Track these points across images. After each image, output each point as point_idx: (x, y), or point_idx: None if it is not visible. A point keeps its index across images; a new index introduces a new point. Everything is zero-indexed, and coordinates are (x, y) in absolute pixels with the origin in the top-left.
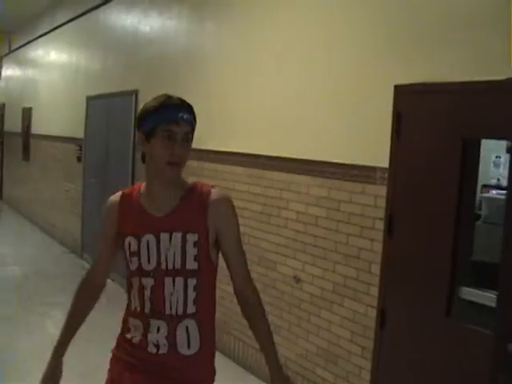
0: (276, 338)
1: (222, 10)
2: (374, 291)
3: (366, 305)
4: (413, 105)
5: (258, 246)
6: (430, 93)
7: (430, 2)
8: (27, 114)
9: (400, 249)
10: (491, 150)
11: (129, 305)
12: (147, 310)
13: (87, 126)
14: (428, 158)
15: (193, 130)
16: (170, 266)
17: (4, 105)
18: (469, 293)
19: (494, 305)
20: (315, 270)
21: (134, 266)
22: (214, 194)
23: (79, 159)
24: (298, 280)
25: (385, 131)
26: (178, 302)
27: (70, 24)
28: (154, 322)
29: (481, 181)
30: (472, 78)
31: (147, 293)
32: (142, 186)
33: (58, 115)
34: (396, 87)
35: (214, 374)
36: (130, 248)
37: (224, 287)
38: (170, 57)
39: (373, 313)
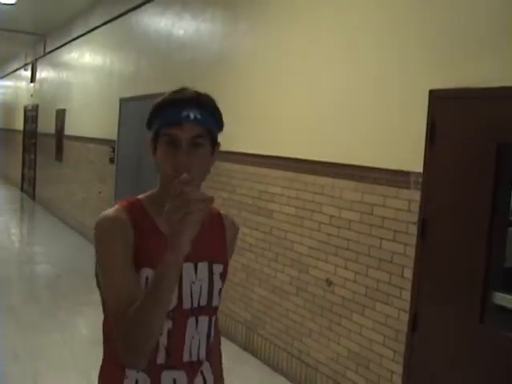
0: (307, 341)
1: (256, 10)
2: (407, 295)
3: (398, 309)
4: (447, 110)
5: (291, 248)
6: (465, 98)
7: (467, 6)
8: (61, 115)
9: (433, 253)
10: None
11: (115, 355)
12: (161, 360)
13: (120, 127)
14: (462, 162)
15: (209, 132)
16: (195, 304)
17: (38, 106)
18: (502, 298)
19: None
20: (347, 273)
21: None
22: (227, 218)
23: (112, 161)
24: (330, 283)
25: (419, 136)
26: (199, 345)
27: (105, 27)
28: (169, 375)
29: None
30: (507, 84)
31: (162, 339)
32: (142, 200)
33: (92, 117)
34: (431, 92)
35: None
36: (147, 284)
37: (256, 289)
38: (203, 59)
39: (405, 317)
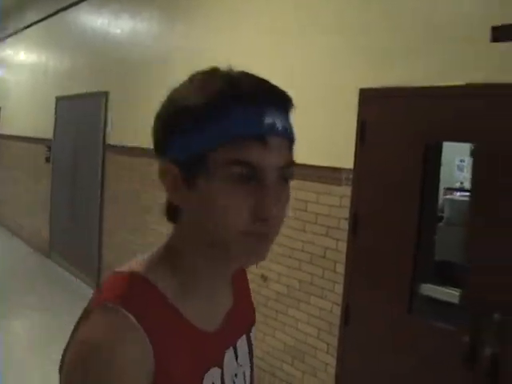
0: None
1: (193, 11)
2: (339, 289)
3: (331, 302)
4: (377, 108)
5: None
6: (394, 97)
7: (397, 10)
8: None
9: (364, 248)
10: (455, 154)
11: None
12: None
13: (56, 126)
14: (392, 159)
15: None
16: None
17: None
18: (430, 289)
19: (454, 300)
20: (282, 268)
21: None
22: None
23: (48, 159)
24: (265, 278)
25: (350, 133)
26: None
27: (40, 24)
28: None
29: (445, 184)
30: (435, 83)
31: None
32: (150, 277)
33: (27, 115)
34: (361, 90)
35: None
36: None
37: None
38: (141, 59)
39: (338, 310)
